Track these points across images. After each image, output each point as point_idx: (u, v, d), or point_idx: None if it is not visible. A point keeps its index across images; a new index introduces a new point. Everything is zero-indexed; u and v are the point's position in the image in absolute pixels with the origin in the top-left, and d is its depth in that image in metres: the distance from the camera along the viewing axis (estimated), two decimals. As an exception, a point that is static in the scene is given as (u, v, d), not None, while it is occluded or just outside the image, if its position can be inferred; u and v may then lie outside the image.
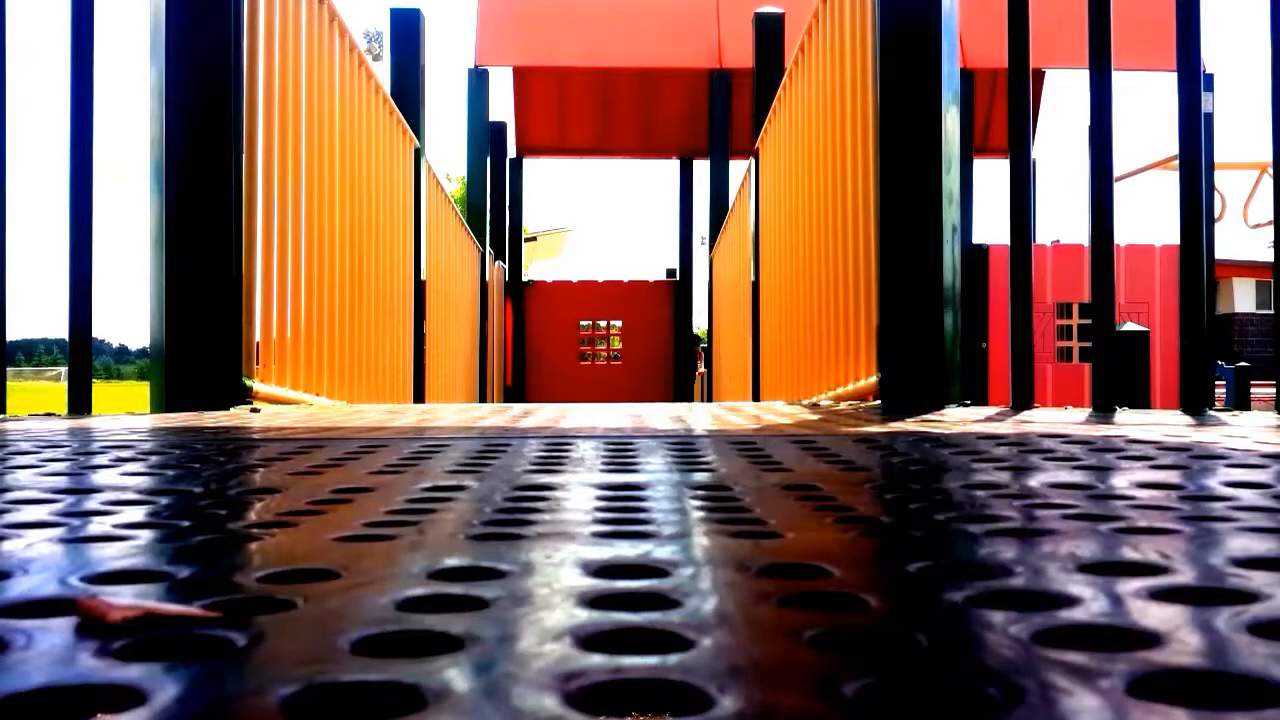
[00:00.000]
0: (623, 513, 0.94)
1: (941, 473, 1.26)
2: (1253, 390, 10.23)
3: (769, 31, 8.56)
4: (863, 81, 3.60)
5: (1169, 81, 2.73)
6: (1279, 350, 2.55)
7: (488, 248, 10.45)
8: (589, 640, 0.52)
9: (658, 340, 12.87)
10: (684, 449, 1.57)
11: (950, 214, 3.12)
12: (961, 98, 3.35)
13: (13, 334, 2.89)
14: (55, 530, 0.87)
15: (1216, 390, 9.58)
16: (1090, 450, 1.48)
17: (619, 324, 13.01)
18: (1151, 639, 0.51)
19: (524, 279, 13.00)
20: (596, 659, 0.49)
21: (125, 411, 3.11)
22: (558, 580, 0.66)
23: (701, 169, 12.08)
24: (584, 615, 0.57)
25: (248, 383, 3.27)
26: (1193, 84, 2.61)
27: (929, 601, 0.61)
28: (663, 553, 0.75)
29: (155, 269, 3.17)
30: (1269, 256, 18.22)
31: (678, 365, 12.70)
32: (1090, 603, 0.59)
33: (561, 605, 0.60)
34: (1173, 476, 1.18)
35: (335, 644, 0.51)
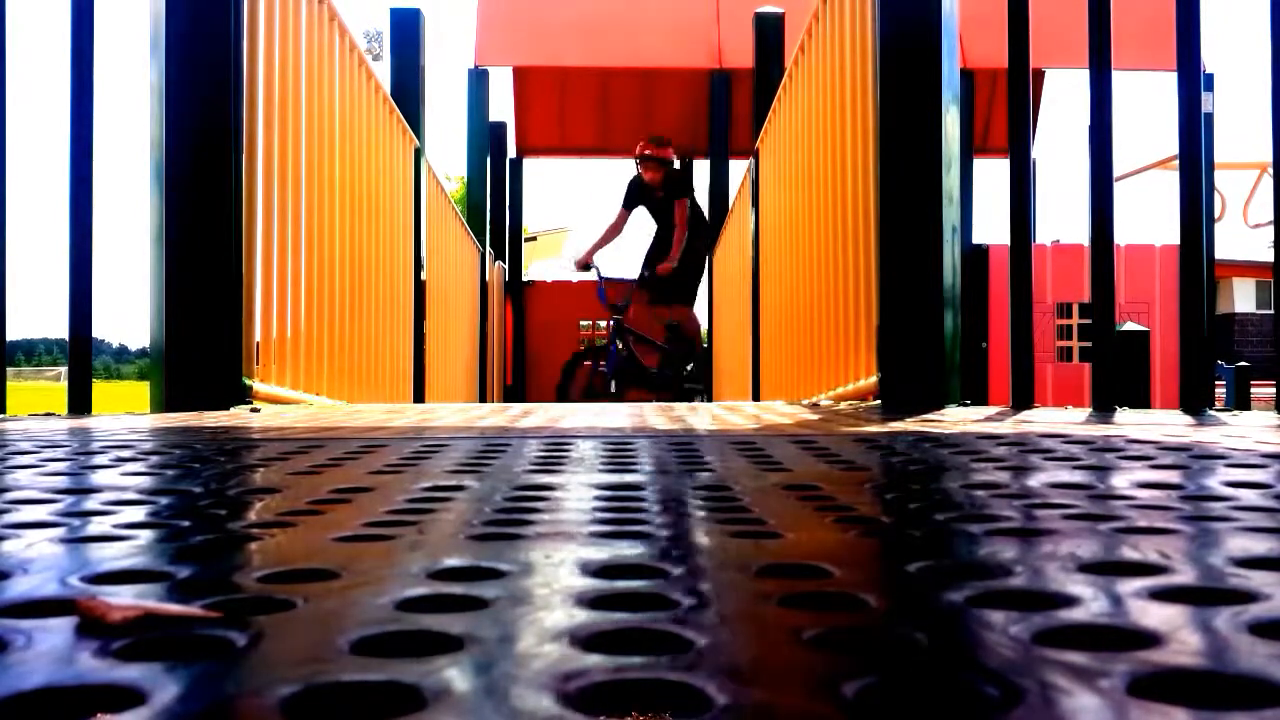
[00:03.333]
0: (623, 513, 0.94)
1: (941, 472, 1.26)
2: (1253, 390, 10.22)
3: (769, 31, 8.55)
4: (863, 81, 3.60)
5: (1169, 81, 2.73)
6: (1279, 350, 2.55)
7: (488, 248, 10.45)
8: (589, 640, 0.52)
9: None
10: (684, 449, 1.57)
11: (950, 214, 3.12)
12: (961, 98, 3.35)
13: (13, 334, 2.89)
14: (55, 530, 0.87)
15: (1217, 390, 9.58)
16: (1090, 450, 1.48)
17: (619, 324, 12.97)
18: (1152, 639, 0.51)
19: (524, 279, 12.99)
20: (596, 659, 0.49)
21: (125, 411, 3.11)
22: (557, 580, 0.66)
23: (701, 169, 12.07)
24: (584, 615, 0.57)
25: (248, 382, 3.27)
26: (1193, 84, 2.61)
27: (929, 601, 0.61)
28: (663, 552, 0.75)
29: (155, 268, 3.17)
30: (1269, 256, 18.21)
31: (678, 365, 12.68)
32: (1090, 603, 0.59)
33: (561, 605, 0.60)
34: (1173, 476, 1.18)
35: (335, 644, 0.51)
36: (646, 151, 8.31)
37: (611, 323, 8.45)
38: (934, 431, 1.90)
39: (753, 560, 0.72)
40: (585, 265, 8.39)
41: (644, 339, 8.50)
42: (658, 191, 8.30)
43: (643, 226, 9.12)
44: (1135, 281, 9.78)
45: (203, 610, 0.58)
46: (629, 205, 8.41)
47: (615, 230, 8.49)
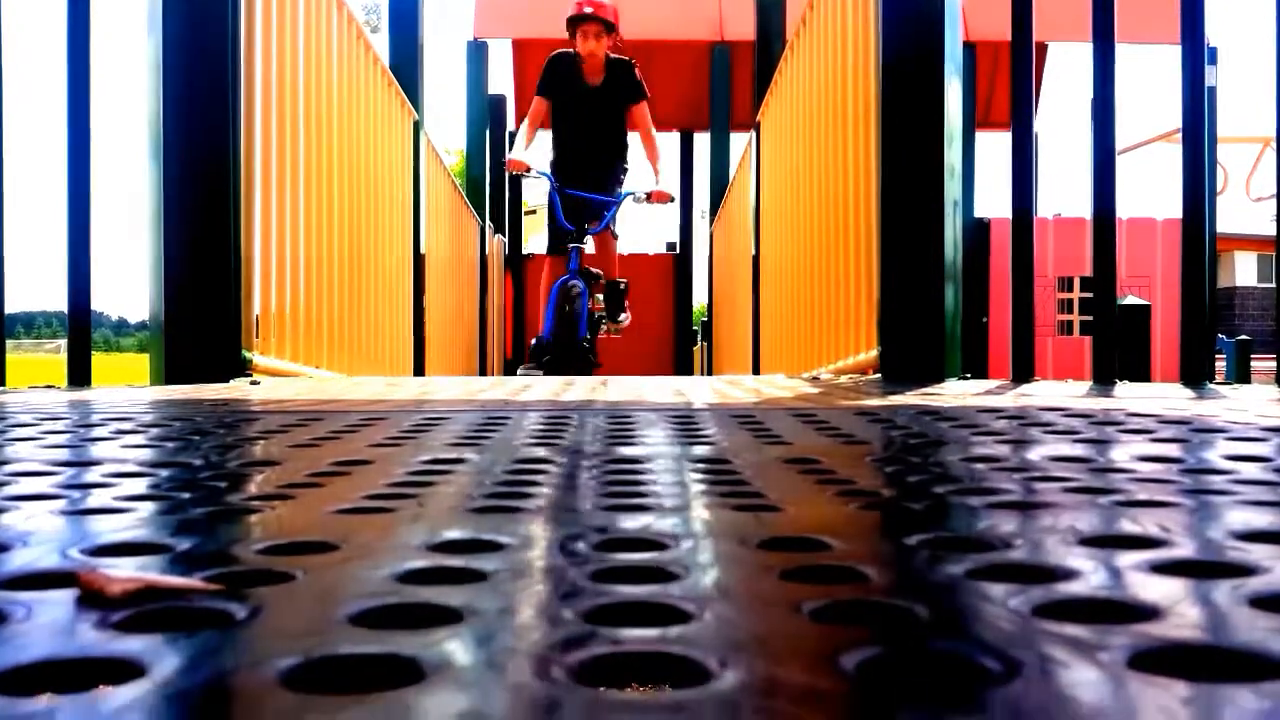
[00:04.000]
0: (623, 485, 0.94)
1: (941, 446, 1.26)
2: (1253, 364, 10.23)
3: (770, 3, 8.51)
4: (864, 55, 3.58)
5: (1172, 55, 2.72)
6: (1280, 324, 2.55)
7: (487, 221, 10.43)
8: (589, 613, 0.52)
9: (658, 314, 12.84)
10: (684, 422, 1.56)
11: (952, 188, 3.11)
12: (964, 71, 3.33)
13: (12, 306, 2.89)
14: (55, 503, 0.87)
15: (1217, 364, 9.58)
16: (1090, 423, 1.48)
17: (619, 297, 12.92)
18: (1151, 612, 0.51)
19: (524, 252, 12.96)
20: (597, 631, 0.49)
21: (125, 384, 3.11)
22: (557, 553, 0.66)
23: (702, 142, 12.02)
24: (584, 588, 0.57)
25: (247, 355, 3.27)
26: (1196, 57, 2.60)
27: (929, 574, 0.61)
28: (663, 525, 0.75)
29: (154, 242, 3.16)
30: (1271, 230, 18.18)
31: (678, 339, 12.68)
32: (1090, 576, 0.59)
33: (561, 578, 0.60)
34: (1173, 450, 1.18)
35: (334, 616, 0.51)
36: (587, 9, 5.66)
37: (571, 255, 5.86)
38: (934, 405, 1.90)
39: (753, 533, 0.72)
40: (524, 168, 5.86)
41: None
42: (591, 76, 5.81)
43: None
44: (1137, 255, 9.77)
45: (203, 582, 0.58)
46: (550, 93, 5.89)
47: (536, 121, 5.98)
